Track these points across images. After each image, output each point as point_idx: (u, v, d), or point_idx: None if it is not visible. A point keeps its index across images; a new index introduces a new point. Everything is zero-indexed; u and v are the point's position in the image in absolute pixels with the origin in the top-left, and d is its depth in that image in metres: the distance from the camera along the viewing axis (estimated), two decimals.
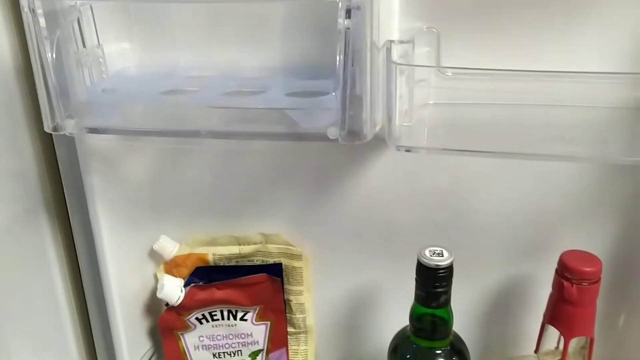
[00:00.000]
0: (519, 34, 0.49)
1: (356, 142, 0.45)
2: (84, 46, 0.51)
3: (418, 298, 0.53)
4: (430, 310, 0.53)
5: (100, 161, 0.57)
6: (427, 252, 0.51)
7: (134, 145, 0.57)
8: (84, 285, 0.67)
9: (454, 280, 0.51)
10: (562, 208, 0.55)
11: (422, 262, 0.50)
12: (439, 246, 0.51)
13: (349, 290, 0.64)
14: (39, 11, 0.45)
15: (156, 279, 0.64)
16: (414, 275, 0.53)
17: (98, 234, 0.61)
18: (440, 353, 0.54)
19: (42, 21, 0.46)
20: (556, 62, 0.47)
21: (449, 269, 0.50)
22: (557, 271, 0.51)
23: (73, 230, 0.64)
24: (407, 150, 0.46)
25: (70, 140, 0.57)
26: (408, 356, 0.56)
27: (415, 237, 0.55)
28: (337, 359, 0.69)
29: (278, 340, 0.67)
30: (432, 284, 0.51)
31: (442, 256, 0.51)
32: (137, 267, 0.64)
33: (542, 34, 0.49)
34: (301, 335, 0.67)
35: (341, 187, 0.58)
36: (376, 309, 0.64)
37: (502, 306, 0.61)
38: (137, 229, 0.62)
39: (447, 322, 0.54)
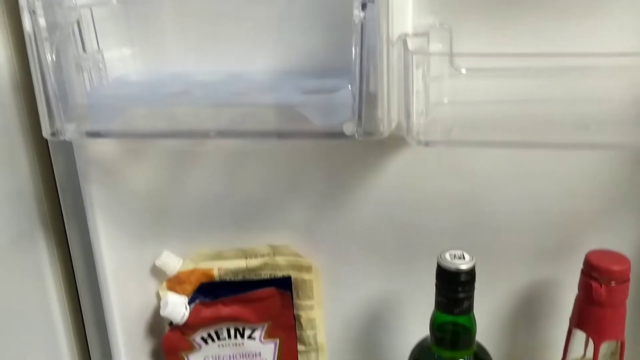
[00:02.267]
0: (534, 28, 0.48)
1: (373, 139, 0.43)
2: (84, 50, 0.49)
3: (439, 305, 0.50)
4: (452, 318, 0.50)
5: (100, 170, 0.54)
6: (447, 256, 0.49)
7: (135, 153, 0.55)
8: (82, 306, 0.63)
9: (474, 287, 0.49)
10: (585, 207, 0.53)
11: (443, 266, 0.48)
12: (459, 249, 0.49)
13: (362, 303, 0.61)
14: (39, 12, 0.43)
15: (159, 297, 0.61)
16: (432, 285, 0.50)
17: (98, 250, 0.58)
18: None
19: (41, 21, 0.44)
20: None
21: (471, 272, 0.48)
22: (583, 272, 0.49)
23: (71, 247, 0.61)
24: (427, 145, 0.44)
25: (68, 149, 0.54)
26: None
27: (433, 243, 0.52)
28: None
29: (288, 358, 0.63)
30: (454, 288, 0.48)
31: (464, 259, 0.48)
32: (138, 285, 0.61)
33: (560, 25, 0.47)
34: (312, 353, 0.64)
35: (353, 192, 0.56)
36: (393, 322, 0.61)
37: (527, 313, 0.59)
38: (139, 244, 0.59)
39: (470, 330, 0.51)
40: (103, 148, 0.53)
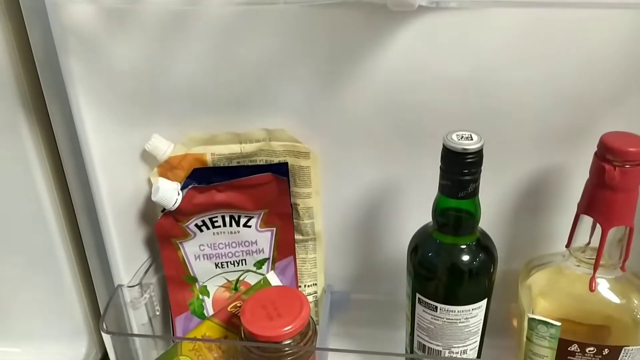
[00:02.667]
0: None
1: None
2: None
3: (443, 189, 0.48)
4: (456, 202, 0.48)
5: (80, 42, 0.50)
6: (454, 137, 0.46)
7: (117, 20, 0.50)
8: (71, 194, 0.61)
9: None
10: (599, 89, 0.50)
11: (449, 147, 0.46)
12: (467, 130, 0.46)
13: (362, 190, 0.59)
14: None
15: (150, 184, 0.59)
16: (435, 172, 0.48)
17: (82, 133, 0.54)
18: (465, 249, 0.50)
19: None
20: None
21: (479, 153, 0.46)
22: (596, 154, 0.47)
23: (55, 132, 0.57)
24: (437, 4, 0.40)
25: (44, 22, 0.49)
26: (430, 254, 0.52)
27: (438, 126, 0.49)
28: (349, 266, 0.64)
29: (284, 248, 0.62)
30: (460, 170, 0.46)
31: (471, 140, 0.45)
32: (128, 170, 0.58)
33: None
34: (309, 242, 0.63)
35: (354, 72, 0.52)
36: (393, 210, 0.59)
37: (532, 201, 0.57)
38: (127, 127, 0.56)
39: (473, 215, 0.49)
40: (80, 12, 0.48)
